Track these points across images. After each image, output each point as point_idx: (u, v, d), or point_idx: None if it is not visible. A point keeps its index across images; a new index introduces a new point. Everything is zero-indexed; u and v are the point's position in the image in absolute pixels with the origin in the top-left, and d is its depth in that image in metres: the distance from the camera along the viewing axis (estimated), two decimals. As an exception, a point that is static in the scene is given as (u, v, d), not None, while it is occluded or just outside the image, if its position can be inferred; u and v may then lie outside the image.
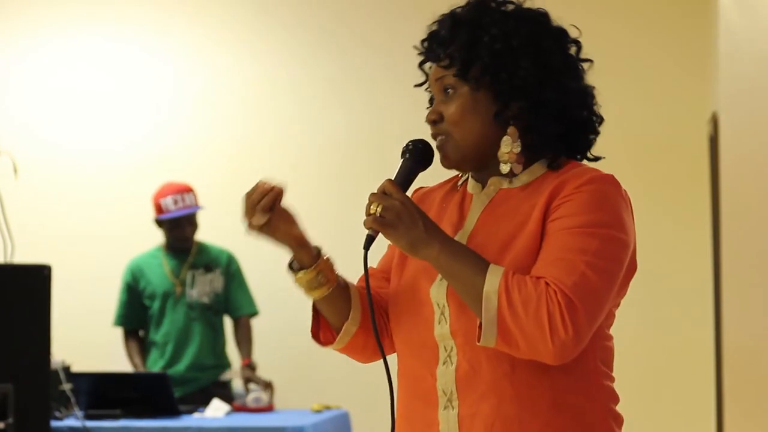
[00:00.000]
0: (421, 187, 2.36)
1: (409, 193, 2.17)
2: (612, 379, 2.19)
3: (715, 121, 5.73)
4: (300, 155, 7.08)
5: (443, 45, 2.21)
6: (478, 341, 2.04)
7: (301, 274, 2.23)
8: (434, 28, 2.24)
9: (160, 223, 6.21)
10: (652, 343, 6.60)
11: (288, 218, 2.21)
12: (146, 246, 6.37)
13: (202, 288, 6.21)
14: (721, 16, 5.24)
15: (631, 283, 2.17)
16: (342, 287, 2.27)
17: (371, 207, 2.08)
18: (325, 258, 2.25)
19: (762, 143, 5.14)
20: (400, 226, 2.06)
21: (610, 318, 2.17)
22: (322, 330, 2.32)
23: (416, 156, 2.19)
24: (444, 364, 2.15)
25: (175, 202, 6.14)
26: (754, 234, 5.13)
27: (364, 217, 2.09)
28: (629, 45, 6.73)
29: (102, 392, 5.52)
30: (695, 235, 6.60)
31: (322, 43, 7.12)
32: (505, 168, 2.17)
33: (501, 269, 2.04)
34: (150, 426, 5.27)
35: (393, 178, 2.14)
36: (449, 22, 2.21)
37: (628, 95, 6.71)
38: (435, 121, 2.21)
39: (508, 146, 2.16)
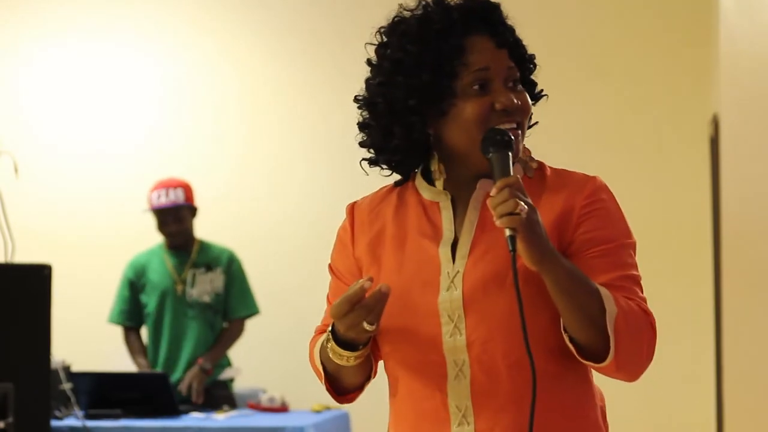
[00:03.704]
0: (354, 202, 2.19)
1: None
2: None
3: (715, 123, 5.72)
4: (301, 155, 7.08)
5: (511, 34, 2.08)
6: (599, 362, 1.99)
7: (357, 352, 2.04)
8: (489, 6, 2.07)
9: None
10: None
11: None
12: (146, 246, 6.35)
13: (203, 287, 6.15)
14: (721, 17, 5.23)
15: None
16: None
17: (513, 205, 1.89)
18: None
19: (762, 144, 5.14)
20: (538, 231, 1.91)
21: None
22: (339, 391, 2.17)
23: (504, 146, 2.01)
24: (456, 378, 2.03)
25: (159, 196, 6.06)
26: (755, 235, 5.12)
27: (505, 215, 1.89)
28: (630, 47, 6.73)
29: (102, 392, 5.52)
30: (696, 236, 6.60)
31: (323, 42, 7.12)
32: (534, 165, 2.12)
33: (608, 292, 1.98)
34: (150, 426, 5.27)
35: (502, 175, 1.94)
36: (500, 12, 2.09)
37: (630, 97, 6.71)
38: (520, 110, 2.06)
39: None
